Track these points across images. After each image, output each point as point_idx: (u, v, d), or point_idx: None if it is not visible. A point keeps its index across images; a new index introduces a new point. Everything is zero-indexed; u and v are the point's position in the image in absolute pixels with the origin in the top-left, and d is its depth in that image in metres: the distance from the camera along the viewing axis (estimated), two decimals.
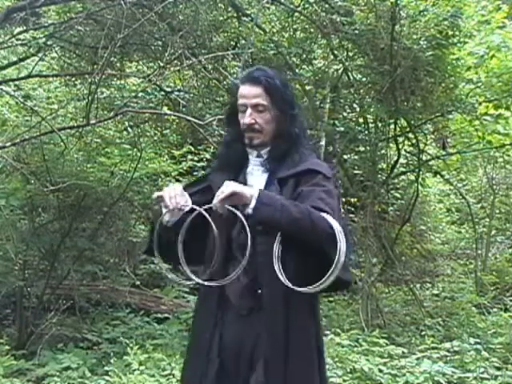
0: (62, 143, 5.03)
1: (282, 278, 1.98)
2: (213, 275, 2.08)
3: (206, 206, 2.03)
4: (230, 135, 2.24)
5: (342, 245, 1.97)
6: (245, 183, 2.14)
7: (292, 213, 1.99)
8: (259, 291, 2.06)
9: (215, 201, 2.00)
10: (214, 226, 2.01)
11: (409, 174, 7.31)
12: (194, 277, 2.06)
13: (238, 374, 2.08)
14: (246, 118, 2.13)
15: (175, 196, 2.05)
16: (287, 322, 2.07)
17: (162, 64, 5.03)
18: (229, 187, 1.98)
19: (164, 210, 2.09)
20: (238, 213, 1.98)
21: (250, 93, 2.13)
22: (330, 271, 1.94)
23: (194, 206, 2.06)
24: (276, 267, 2.00)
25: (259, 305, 2.07)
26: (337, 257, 1.95)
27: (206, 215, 2.02)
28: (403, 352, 4.86)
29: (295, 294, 2.01)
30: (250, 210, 1.99)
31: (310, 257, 2.05)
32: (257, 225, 2.01)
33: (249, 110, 2.13)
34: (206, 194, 2.15)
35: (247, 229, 1.97)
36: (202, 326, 2.17)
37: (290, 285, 1.97)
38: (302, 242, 2.02)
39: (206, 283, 2.06)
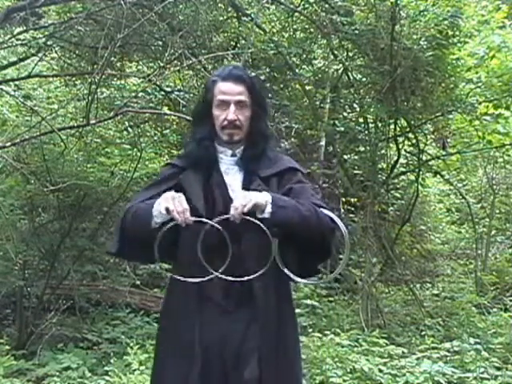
0: (62, 143, 5.03)
1: (287, 271, 2.07)
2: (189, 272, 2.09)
3: (223, 217, 2.02)
4: (201, 133, 2.20)
5: (347, 235, 2.11)
6: (222, 182, 2.17)
7: (302, 211, 2.07)
8: (253, 286, 2.08)
9: (234, 212, 1.99)
10: (227, 238, 2.02)
11: (409, 173, 7.30)
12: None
13: (223, 372, 2.08)
14: (230, 114, 2.14)
15: (184, 211, 2.01)
16: (278, 314, 2.13)
17: (162, 64, 5.03)
18: (250, 200, 2.00)
19: (166, 218, 2.05)
20: (256, 221, 2.01)
21: (233, 90, 2.16)
22: (343, 260, 2.10)
23: (205, 220, 2.03)
24: (278, 261, 2.07)
25: (248, 300, 2.09)
26: (347, 246, 2.10)
27: (219, 227, 2.02)
28: (403, 352, 4.86)
29: (284, 286, 2.14)
30: (266, 215, 2.03)
31: (308, 249, 2.13)
32: (272, 227, 2.03)
33: (232, 107, 2.15)
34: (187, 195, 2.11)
35: (269, 234, 2.01)
36: (181, 326, 2.12)
37: (297, 279, 2.06)
38: (308, 236, 2.09)
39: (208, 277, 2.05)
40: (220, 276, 2.03)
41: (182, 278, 2.07)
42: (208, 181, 2.17)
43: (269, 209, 2.03)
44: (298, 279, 2.08)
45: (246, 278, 2.03)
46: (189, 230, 2.05)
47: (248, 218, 2.00)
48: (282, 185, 2.19)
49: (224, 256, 2.02)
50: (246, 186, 2.14)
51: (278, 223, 2.03)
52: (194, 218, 2.02)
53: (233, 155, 2.21)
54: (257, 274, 2.02)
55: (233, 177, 2.19)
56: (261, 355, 2.07)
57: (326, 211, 2.13)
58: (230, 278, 2.03)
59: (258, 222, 2.01)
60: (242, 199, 2.00)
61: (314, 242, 2.11)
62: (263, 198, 2.03)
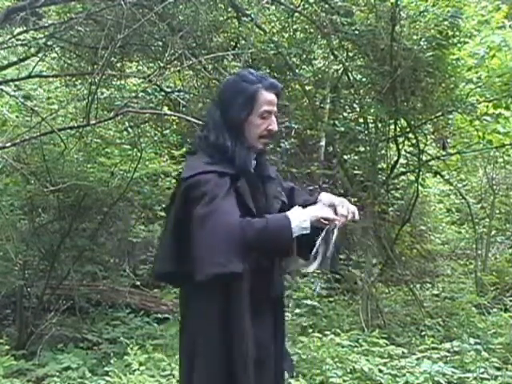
0: (62, 143, 5.03)
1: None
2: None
3: (337, 226, 2.14)
4: (246, 141, 2.19)
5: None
6: (263, 190, 2.26)
7: None
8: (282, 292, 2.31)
9: (343, 220, 2.14)
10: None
11: (409, 174, 7.30)
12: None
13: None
14: (274, 125, 2.20)
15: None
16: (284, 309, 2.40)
17: (162, 64, 5.02)
18: (355, 209, 2.18)
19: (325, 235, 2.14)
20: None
21: (275, 101, 2.22)
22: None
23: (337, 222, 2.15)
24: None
25: (272, 304, 2.24)
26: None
27: (334, 228, 2.14)
28: (403, 352, 4.86)
29: None
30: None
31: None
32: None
33: (273, 117, 2.21)
34: (238, 204, 2.10)
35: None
36: (242, 345, 2.07)
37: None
38: None
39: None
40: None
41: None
42: (252, 188, 2.20)
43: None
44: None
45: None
46: None
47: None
48: (278, 184, 2.35)
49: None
50: (265, 187, 2.26)
51: None
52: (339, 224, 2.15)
53: (253, 159, 2.26)
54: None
55: None
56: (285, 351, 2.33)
57: None
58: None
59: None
60: (349, 207, 2.17)
61: None
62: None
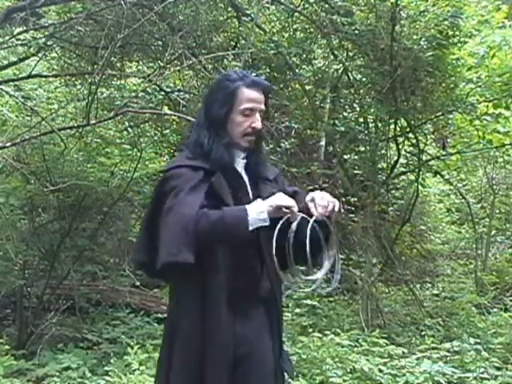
0: (62, 143, 5.03)
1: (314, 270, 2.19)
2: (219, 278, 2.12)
3: (314, 217, 2.09)
4: (226, 137, 2.19)
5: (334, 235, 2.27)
6: (245, 187, 2.23)
7: None
8: (273, 287, 2.22)
9: (322, 211, 2.09)
10: (333, 232, 2.16)
11: (409, 173, 7.30)
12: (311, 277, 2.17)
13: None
14: (258, 123, 2.19)
15: (294, 205, 2.09)
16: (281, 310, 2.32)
17: (162, 64, 5.03)
18: (336, 201, 2.13)
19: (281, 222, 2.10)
20: (329, 222, 2.13)
21: (259, 98, 2.20)
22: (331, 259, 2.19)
23: (306, 217, 2.10)
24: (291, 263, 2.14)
25: (264, 301, 2.21)
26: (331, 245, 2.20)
27: (314, 224, 2.08)
28: (403, 352, 4.86)
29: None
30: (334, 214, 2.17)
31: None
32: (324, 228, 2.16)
33: (258, 115, 2.20)
34: (209, 197, 2.12)
35: (335, 237, 2.16)
36: (217, 338, 2.09)
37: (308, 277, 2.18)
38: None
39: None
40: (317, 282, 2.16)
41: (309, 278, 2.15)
42: (231, 185, 2.19)
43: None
44: (306, 277, 2.18)
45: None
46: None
47: (327, 220, 2.11)
48: (279, 187, 2.28)
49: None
50: (256, 189, 2.23)
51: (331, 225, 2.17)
52: (301, 214, 2.09)
53: (243, 158, 2.25)
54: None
55: (244, 179, 2.26)
56: (282, 349, 2.25)
57: None
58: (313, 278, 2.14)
59: (329, 224, 2.12)
60: (328, 199, 2.11)
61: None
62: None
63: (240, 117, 2.18)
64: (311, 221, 2.06)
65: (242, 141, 2.20)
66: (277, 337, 2.24)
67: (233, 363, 2.10)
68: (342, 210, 2.12)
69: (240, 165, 2.24)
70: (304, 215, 2.09)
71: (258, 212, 2.06)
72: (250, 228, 2.05)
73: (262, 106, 2.21)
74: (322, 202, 2.10)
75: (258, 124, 2.19)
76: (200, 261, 2.02)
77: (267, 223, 2.06)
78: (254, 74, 2.28)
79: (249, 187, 2.23)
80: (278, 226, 2.05)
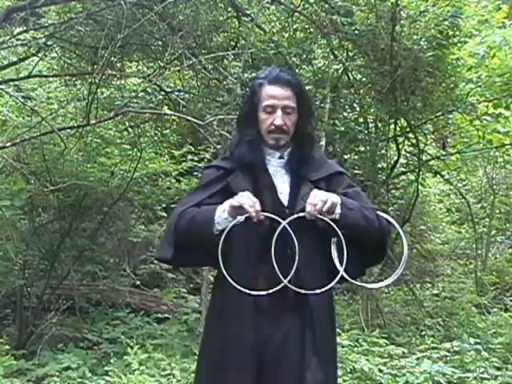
0: (62, 143, 5.03)
1: (345, 274, 2.06)
2: (247, 284, 2.04)
3: (301, 214, 2.02)
4: (250, 135, 2.17)
5: (403, 234, 2.19)
6: (272, 184, 2.17)
7: (367, 214, 2.10)
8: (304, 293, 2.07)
9: (311, 210, 2.01)
10: (294, 237, 2.01)
11: (409, 173, 7.30)
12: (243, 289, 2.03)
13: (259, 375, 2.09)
14: (277, 119, 2.14)
15: (255, 204, 2.01)
16: (329, 317, 2.18)
17: (162, 64, 5.02)
18: (329, 198, 2.02)
19: (238, 217, 2.03)
20: (329, 220, 2.02)
21: (281, 94, 2.15)
22: (402, 262, 2.10)
23: (275, 217, 2.02)
24: (337, 263, 2.07)
25: (299, 306, 2.09)
26: (405, 246, 2.17)
27: (288, 228, 2.01)
28: (403, 352, 4.86)
29: (331, 291, 2.14)
30: (337, 216, 2.04)
31: (365, 251, 2.14)
32: (341, 229, 2.04)
33: (279, 112, 2.14)
34: (224, 196, 2.11)
35: (340, 234, 2.02)
36: (240, 337, 2.07)
37: (367, 285, 2.14)
38: (369, 238, 2.12)
39: (253, 293, 2.03)
40: (290, 286, 2.01)
41: (253, 293, 2.02)
42: (256, 183, 2.16)
43: (338, 210, 2.05)
44: (362, 283, 2.21)
45: (318, 291, 2.03)
46: (243, 235, 2.07)
47: (322, 217, 2.01)
48: (331, 189, 2.16)
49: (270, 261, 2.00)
50: (295, 190, 2.15)
51: (346, 225, 2.04)
52: (266, 214, 2.02)
53: (280, 157, 2.20)
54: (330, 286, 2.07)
55: (281, 179, 2.19)
56: (321, 363, 2.06)
57: (381, 213, 2.16)
58: (301, 291, 2.02)
59: (331, 222, 2.02)
60: (320, 197, 2.01)
61: (373, 244, 2.14)
62: (335, 199, 2.05)
63: (263, 114, 2.17)
64: (283, 222, 2.01)
65: (269, 138, 2.18)
66: (309, 344, 2.08)
67: (258, 365, 2.06)
68: (328, 206, 2.03)
69: (274, 163, 2.19)
70: (272, 216, 2.02)
71: (221, 211, 2.06)
72: (219, 227, 2.04)
73: (286, 102, 2.15)
74: (311, 199, 2.03)
75: (278, 121, 2.13)
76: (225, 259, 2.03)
77: (231, 222, 2.03)
78: (278, 70, 2.23)
79: (281, 185, 2.17)
80: (230, 226, 2.02)
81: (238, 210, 2.02)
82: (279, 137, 2.16)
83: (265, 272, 2.07)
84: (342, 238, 2.02)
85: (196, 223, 2.09)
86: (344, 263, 2.02)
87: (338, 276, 2.04)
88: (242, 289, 2.00)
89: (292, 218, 2.02)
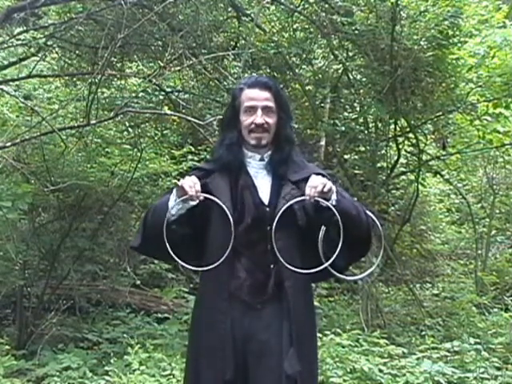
0: (62, 143, 5.03)
1: (329, 266, 2.15)
2: (218, 270, 2.14)
3: (301, 198, 2.11)
4: (230, 138, 2.28)
5: (382, 232, 2.34)
6: (252, 184, 2.25)
7: (357, 205, 2.22)
8: (284, 284, 2.16)
9: (310, 192, 2.08)
10: (231, 218, 2.10)
11: (409, 173, 7.31)
12: (189, 266, 2.20)
13: (243, 367, 2.17)
14: (258, 118, 2.22)
15: (194, 185, 2.12)
16: (307, 312, 2.25)
17: (162, 64, 5.02)
18: (328, 181, 2.10)
19: (177, 200, 2.14)
20: (330, 205, 2.09)
21: (260, 96, 2.25)
22: (381, 253, 2.23)
23: (214, 199, 2.13)
24: (321, 255, 2.18)
25: (277, 298, 2.18)
26: (383, 241, 2.27)
27: (224, 207, 2.10)
28: (403, 352, 4.86)
29: (310, 284, 2.27)
30: (333, 202, 2.12)
31: (352, 245, 2.19)
32: (335, 215, 2.10)
33: (259, 111, 2.23)
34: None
35: (339, 219, 2.08)
36: (213, 324, 2.19)
37: (347, 278, 2.32)
38: (358, 231, 2.20)
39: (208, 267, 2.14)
40: (288, 266, 2.10)
41: (199, 269, 2.22)
42: (236, 183, 2.24)
43: (334, 196, 2.13)
44: (340, 275, 2.24)
45: (308, 271, 2.12)
46: (219, 226, 2.16)
47: (320, 200, 2.08)
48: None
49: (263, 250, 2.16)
50: (277, 190, 2.23)
51: (340, 212, 2.10)
52: (206, 195, 2.11)
53: (261, 159, 2.28)
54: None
55: (262, 180, 2.26)
56: (298, 352, 2.14)
57: (366, 211, 2.27)
58: (294, 268, 2.10)
59: (331, 206, 2.08)
60: (319, 180, 2.09)
61: (361, 236, 2.23)
62: (332, 184, 2.13)
63: (244, 116, 2.26)
64: (288, 203, 2.10)
65: (250, 138, 2.25)
66: (286, 335, 2.16)
67: (240, 355, 2.15)
68: (328, 189, 2.10)
69: (255, 165, 2.27)
70: (211, 197, 2.12)
71: (172, 196, 2.18)
72: (172, 212, 2.15)
73: (265, 103, 2.24)
74: (310, 183, 2.11)
75: (258, 119, 2.22)
76: (206, 254, 2.18)
77: (180, 206, 2.13)
78: (256, 76, 2.39)
79: (262, 186, 2.24)
80: (173, 205, 2.13)
81: (181, 191, 2.13)
82: (261, 136, 2.24)
83: (246, 266, 2.19)
84: (340, 222, 2.07)
85: (157, 211, 2.24)
86: (338, 248, 2.08)
87: (330, 260, 2.12)
88: (188, 265, 2.17)
89: (293, 201, 2.11)
